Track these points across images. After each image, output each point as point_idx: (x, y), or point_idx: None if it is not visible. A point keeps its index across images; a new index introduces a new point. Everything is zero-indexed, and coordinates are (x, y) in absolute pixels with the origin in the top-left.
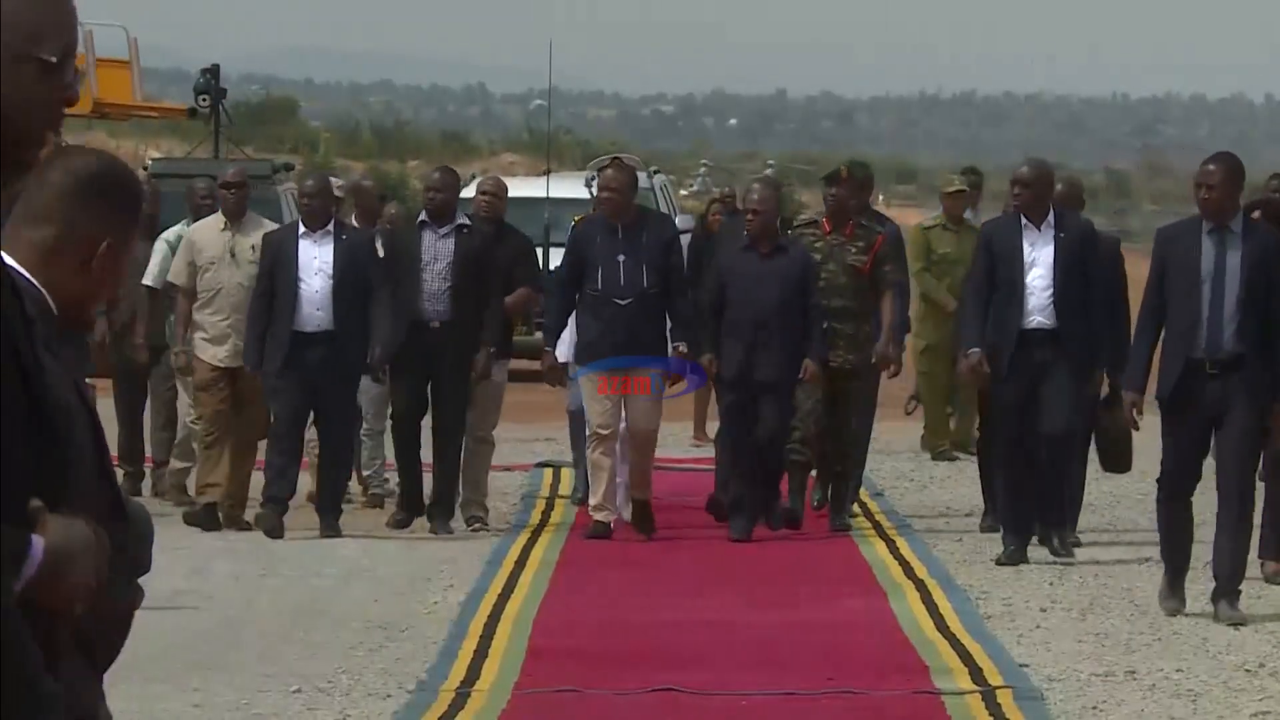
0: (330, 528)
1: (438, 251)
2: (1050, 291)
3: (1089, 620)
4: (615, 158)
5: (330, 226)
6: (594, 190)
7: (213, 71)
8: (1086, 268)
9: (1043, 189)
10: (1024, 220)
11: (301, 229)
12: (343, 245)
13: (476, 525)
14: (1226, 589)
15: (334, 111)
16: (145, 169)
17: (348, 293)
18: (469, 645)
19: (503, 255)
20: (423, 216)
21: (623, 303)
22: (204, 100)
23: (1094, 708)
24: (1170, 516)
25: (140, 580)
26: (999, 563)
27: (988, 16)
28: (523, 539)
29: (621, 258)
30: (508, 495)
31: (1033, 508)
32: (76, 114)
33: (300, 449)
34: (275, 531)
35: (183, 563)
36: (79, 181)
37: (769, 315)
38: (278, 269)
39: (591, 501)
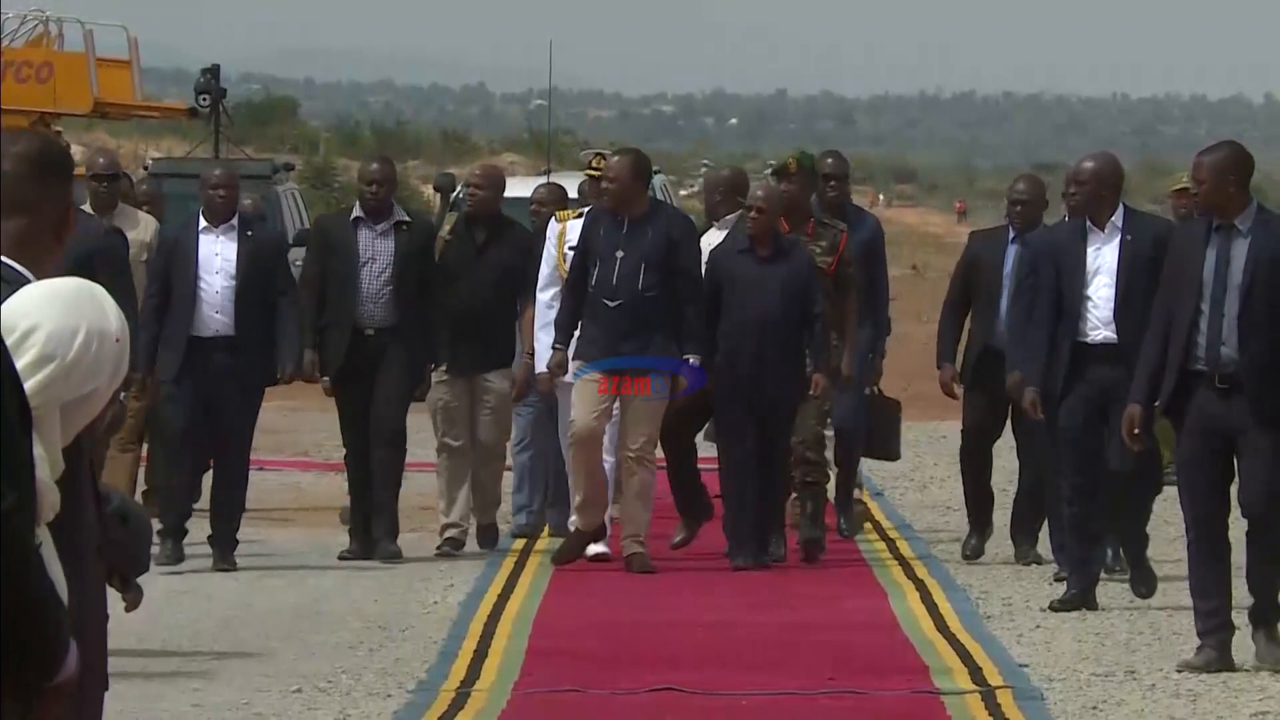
0: (224, 558)
1: (376, 250)
2: (1113, 303)
3: (1089, 620)
4: (599, 154)
5: (234, 222)
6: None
7: (213, 71)
8: (1158, 276)
9: (1102, 187)
10: (1087, 222)
11: (202, 224)
12: (248, 242)
13: (489, 548)
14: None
15: (334, 111)
16: (146, 169)
17: (252, 295)
18: (469, 645)
19: (505, 253)
20: (357, 212)
21: (611, 304)
22: (204, 100)
23: (1094, 707)
24: (1197, 553)
25: (140, 580)
26: (1054, 608)
27: (988, 16)
28: (523, 539)
29: (620, 255)
30: (509, 494)
31: (1102, 545)
32: (77, 114)
33: (198, 468)
34: (178, 559)
35: (183, 563)
36: (34, 166)
37: (768, 323)
38: (175, 268)
39: (572, 506)
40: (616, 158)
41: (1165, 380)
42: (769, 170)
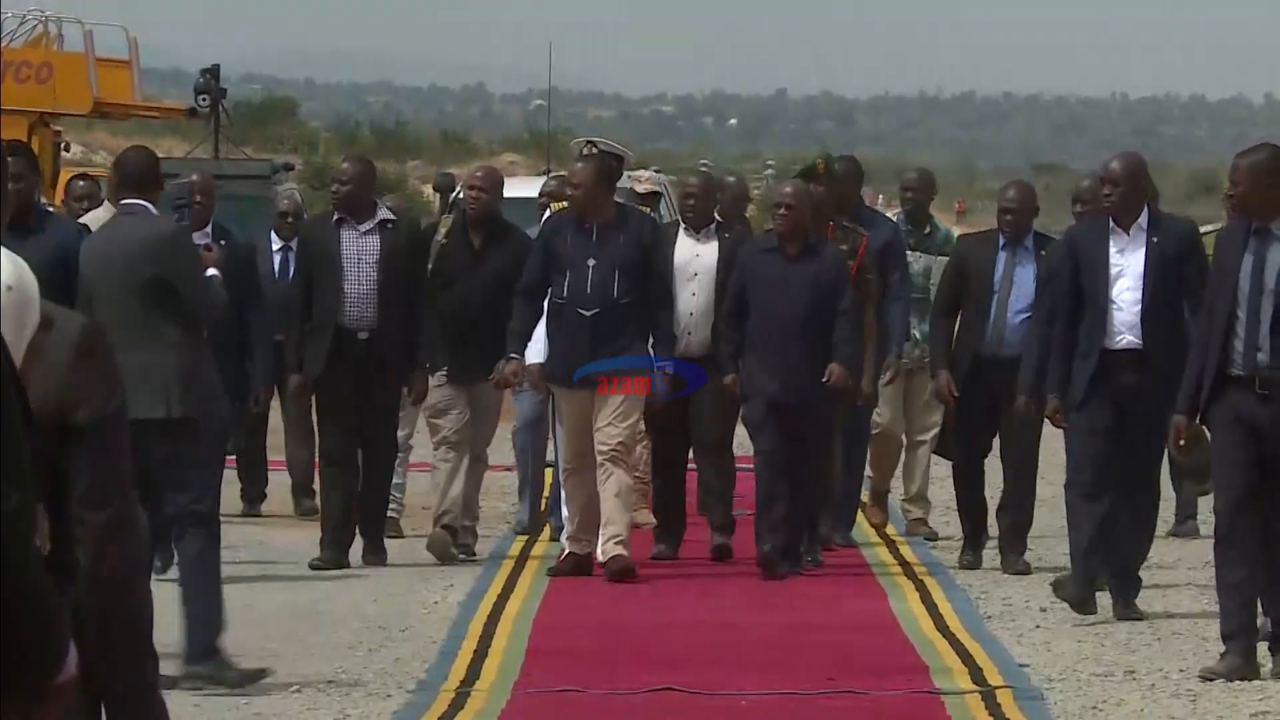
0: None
1: (360, 251)
2: (1138, 306)
3: (1089, 620)
4: (590, 141)
5: (209, 230)
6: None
7: (213, 71)
8: (1185, 279)
9: (1135, 187)
10: (1112, 223)
11: None
12: (221, 251)
13: (464, 554)
14: None
15: (334, 111)
16: None
17: (230, 304)
18: (469, 645)
19: (503, 257)
20: (339, 213)
21: (586, 314)
22: (204, 100)
23: (1094, 708)
24: (1223, 554)
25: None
26: (1061, 598)
27: (988, 16)
28: (522, 538)
29: (592, 263)
30: (508, 495)
31: (1103, 551)
32: (77, 114)
33: None
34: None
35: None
36: None
37: (798, 325)
38: None
39: (567, 530)
40: (580, 164)
41: (1203, 385)
42: (769, 170)
